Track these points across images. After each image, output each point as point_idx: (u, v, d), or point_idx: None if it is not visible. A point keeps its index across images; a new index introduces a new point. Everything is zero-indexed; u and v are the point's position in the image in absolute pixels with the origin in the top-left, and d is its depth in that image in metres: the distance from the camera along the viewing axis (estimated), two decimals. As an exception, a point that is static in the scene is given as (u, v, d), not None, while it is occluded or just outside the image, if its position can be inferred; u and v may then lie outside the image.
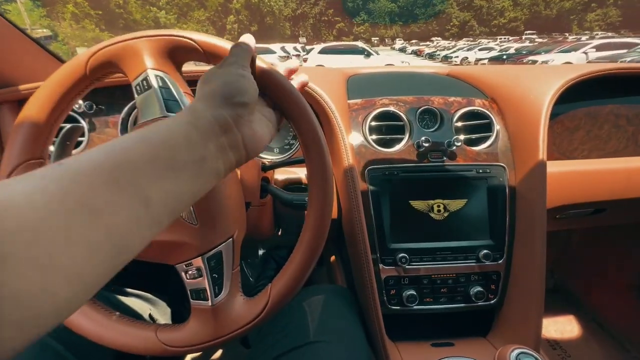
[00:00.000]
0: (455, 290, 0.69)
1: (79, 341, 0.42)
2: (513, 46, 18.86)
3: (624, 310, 1.15)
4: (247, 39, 0.38)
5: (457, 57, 19.27)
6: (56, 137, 0.57)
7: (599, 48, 11.61)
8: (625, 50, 10.58)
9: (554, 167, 0.71)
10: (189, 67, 0.53)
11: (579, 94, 0.72)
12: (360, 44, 14.13)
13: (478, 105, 0.73)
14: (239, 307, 0.43)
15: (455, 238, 0.69)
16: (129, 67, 0.40)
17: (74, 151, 0.76)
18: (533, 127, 0.66)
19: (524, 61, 12.40)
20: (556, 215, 0.83)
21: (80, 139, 0.75)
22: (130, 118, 0.75)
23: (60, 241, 0.18)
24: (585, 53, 11.54)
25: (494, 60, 16.05)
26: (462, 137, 0.69)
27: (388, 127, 0.70)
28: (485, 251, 0.67)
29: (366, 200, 0.67)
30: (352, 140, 0.69)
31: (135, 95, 0.41)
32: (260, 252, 1.32)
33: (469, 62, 17.42)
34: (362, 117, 0.71)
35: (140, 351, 0.41)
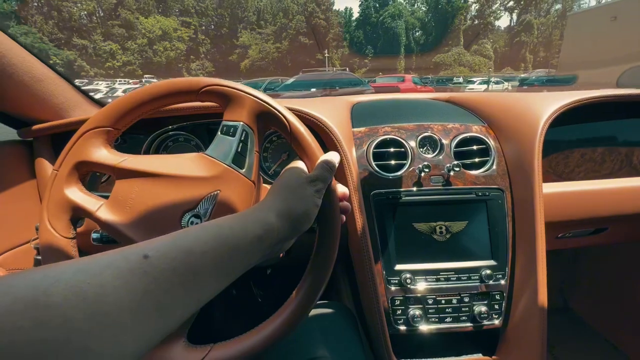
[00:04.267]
0: (460, 310, 0.71)
1: None
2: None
3: (634, 330, 1.14)
4: (335, 157, 0.43)
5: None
6: None
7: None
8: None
9: (551, 189, 0.75)
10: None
11: (573, 118, 0.77)
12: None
13: (475, 131, 0.78)
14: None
15: (458, 259, 0.72)
16: (230, 110, 0.47)
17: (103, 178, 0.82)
18: (528, 151, 0.70)
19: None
20: (557, 235, 0.86)
21: None
22: (152, 149, 0.81)
23: (127, 330, 0.22)
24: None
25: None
26: (460, 162, 0.73)
27: (391, 154, 0.75)
28: (487, 271, 0.70)
29: (371, 223, 0.71)
30: (357, 166, 0.73)
31: (219, 132, 0.47)
32: (268, 272, 1.35)
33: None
34: (366, 144, 0.76)
35: None
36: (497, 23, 49.77)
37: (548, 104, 0.73)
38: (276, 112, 0.46)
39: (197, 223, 0.44)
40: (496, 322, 0.71)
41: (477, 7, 47.49)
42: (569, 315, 1.33)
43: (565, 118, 0.73)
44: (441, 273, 0.71)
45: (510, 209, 0.73)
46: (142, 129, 0.80)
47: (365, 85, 7.79)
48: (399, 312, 0.71)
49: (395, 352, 0.69)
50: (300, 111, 0.70)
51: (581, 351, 1.18)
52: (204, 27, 46.81)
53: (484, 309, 0.70)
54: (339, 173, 0.73)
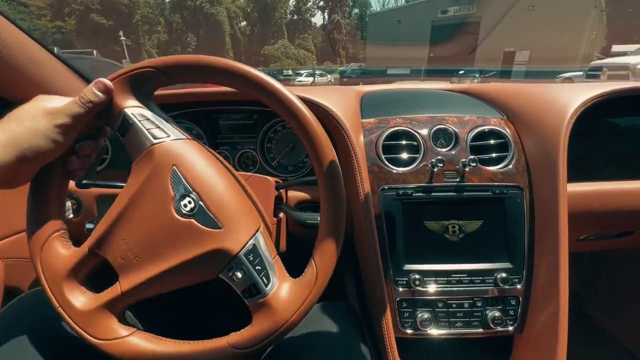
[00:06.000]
0: (472, 314, 0.67)
1: None
2: None
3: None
4: (95, 94, 0.41)
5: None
6: None
7: None
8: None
9: (575, 188, 0.69)
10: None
11: (601, 112, 0.70)
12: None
13: (494, 124, 0.73)
14: (292, 289, 0.43)
15: (471, 260, 0.67)
16: (106, 116, 0.43)
17: (98, 168, 0.79)
18: (552, 147, 0.65)
19: None
20: (579, 237, 0.80)
21: (104, 156, 0.79)
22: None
23: None
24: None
25: None
26: (477, 157, 0.68)
27: (402, 147, 0.70)
28: (503, 274, 0.65)
29: (379, 219, 0.67)
30: (366, 158, 0.69)
31: (122, 139, 0.43)
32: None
33: None
34: (376, 136, 0.71)
35: None
36: (313, 20, 53.16)
37: (577, 94, 0.67)
38: (133, 73, 0.43)
39: (190, 201, 0.42)
40: (510, 328, 0.67)
41: (294, 3, 50.62)
42: (585, 320, 1.27)
43: (594, 111, 0.67)
44: (453, 275, 0.66)
45: (528, 209, 0.68)
46: None
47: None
48: (406, 314, 0.67)
49: (402, 356, 0.66)
50: (305, 98, 0.66)
51: (596, 356, 1.12)
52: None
53: (497, 314, 0.66)
54: (347, 166, 0.69)
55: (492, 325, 0.65)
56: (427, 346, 0.71)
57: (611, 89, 0.67)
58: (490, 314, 0.66)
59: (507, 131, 0.72)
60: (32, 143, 0.38)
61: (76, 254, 0.43)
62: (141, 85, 0.44)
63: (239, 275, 0.41)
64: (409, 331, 0.67)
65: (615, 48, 17.12)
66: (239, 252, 0.41)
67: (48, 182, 0.44)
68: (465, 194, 0.67)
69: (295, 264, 0.45)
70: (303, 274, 0.44)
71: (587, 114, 0.66)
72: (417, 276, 0.65)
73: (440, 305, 0.67)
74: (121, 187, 0.62)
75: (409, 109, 0.78)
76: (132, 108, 0.43)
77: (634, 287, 1.16)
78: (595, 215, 0.73)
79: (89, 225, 0.66)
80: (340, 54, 48.53)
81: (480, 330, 0.67)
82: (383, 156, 0.69)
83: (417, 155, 0.69)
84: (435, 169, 0.67)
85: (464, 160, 0.66)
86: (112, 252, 0.42)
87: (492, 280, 0.66)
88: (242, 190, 0.46)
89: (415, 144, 0.70)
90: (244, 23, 46.95)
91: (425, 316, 0.66)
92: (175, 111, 0.78)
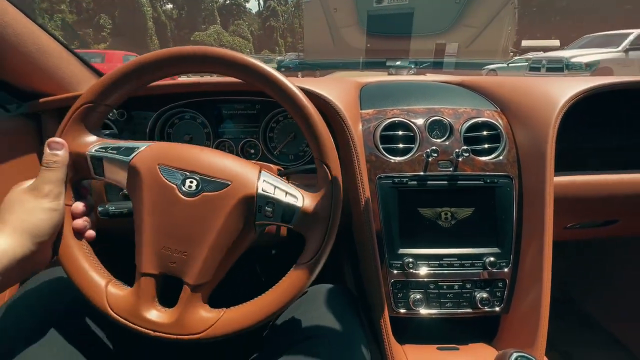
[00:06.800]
0: (461, 296, 0.71)
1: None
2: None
3: (637, 323, 1.13)
4: (56, 152, 0.44)
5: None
6: None
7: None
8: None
9: (562, 178, 0.72)
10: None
11: (589, 106, 0.73)
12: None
13: (487, 116, 0.76)
14: (316, 195, 0.47)
15: (462, 245, 0.71)
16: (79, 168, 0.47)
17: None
18: (541, 139, 0.68)
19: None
20: (565, 225, 0.84)
21: None
22: (157, 126, 0.81)
23: None
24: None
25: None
26: (470, 147, 0.71)
27: (398, 137, 0.73)
28: (491, 259, 0.69)
29: (376, 206, 0.71)
30: (364, 148, 0.72)
31: (103, 178, 0.47)
32: (273, 252, 1.37)
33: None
34: (374, 127, 0.74)
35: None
36: (248, 6, 50.20)
37: (566, 89, 0.70)
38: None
39: (191, 181, 0.45)
40: (497, 308, 0.71)
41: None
42: (571, 306, 1.33)
43: (582, 105, 0.70)
44: (444, 259, 0.71)
45: (517, 197, 0.71)
46: (149, 106, 0.80)
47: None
48: (399, 295, 0.71)
49: (396, 335, 0.70)
50: (306, 89, 0.69)
51: (581, 342, 1.18)
52: None
53: (485, 295, 0.70)
54: (345, 155, 0.72)
55: (480, 305, 0.70)
56: (419, 324, 0.76)
57: (600, 83, 0.70)
58: (478, 295, 0.70)
59: (500, 123, 0.75)
60: (31, 222, 0.40)
61: (136, 289, 0.46)
62: (87, 121, 0.47)
63: (270, 209, 0.45)
64: (402, 311, 0.71)
65: (525, 43, 18.57)
66: (257, 190, 0.45)
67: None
68: (458, 182, 0.71)
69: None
70: (317, 180, 0.47)
71: (577, 107, 0.69)
72: (410, 260, 0.69)
73: (431, 286, 0.71)
74: None
75: (407, 100, 0.81)
76: (92, 146, 0.46)
77: (618, 274, 1.21)
78: (582, 204, 0.77)
79: (100, 208, 0.69)
80: (278, 43, 46.08)
81: (469, 310, 0.71)
82: (380, 146, 0.72)
83: (413, 146, 0.72)
84: (430, 159, 0.70)
85: (457, 150, 0.70)
86: (163, 265, 0.45)
87: (481, 264, 0.70)
88: (228, 153, 0.50)
89: (412, 134, 0.73)
90: (169, 6, 43.16)
91: (418, 297, 0.70)
92: (181, 100, 0.80)
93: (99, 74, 0.86)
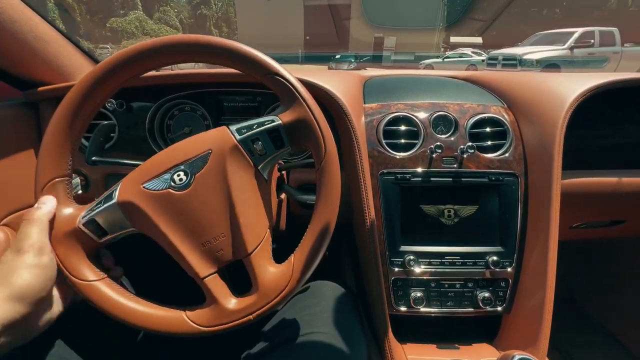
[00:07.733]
0: (463, 295, 0.70)
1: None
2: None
3: (638, 324, 1.12)
4: (37, 215, 0.42)
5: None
6: (91, 133, 0.62)
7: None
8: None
9: (569, 177, 0.71)
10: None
11: (599, 102, 0.71)
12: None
13: (493, 112, 0.74)
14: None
15: (464, 243, 0.70)
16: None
17: (106, 145, 0.81)
18: (549, 136, 0.66)
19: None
20: (571, 225, 0.83)
21: (112, 134, 0.81)
22: (157, 117, 0.80)
23: None
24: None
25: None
26: (475, 144, 0.69)
27: (402, 132, 0.72)
28: (494, 258, 0.68)
29: (377, 202, 0.69)
30: (366, 143, 0.71)
31: (108, 236, 0.45)
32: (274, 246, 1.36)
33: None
34: (377, 121, 0.73)
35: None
36: None
37: (576, 85, 0.68)
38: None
39: (178, 174, 0.44)
40: (499, 308, 0.70)
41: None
42: (573, 306, 1.32)
43: (592, 101, 0.68)
44: (446, 257, 0.69)
45: (523, 196, 0.70)
46: (148, 96, 0.79)
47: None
48: (400, 293, 0.70)
49: (395, 332, 0.69)
50: (307, 82, 0.67)
51: (583, 342, 1.17)
52: None
53: (487, 295, 0.69)
54: (347, 150, 0.70)
55: (481, 305, 0.69)
56: (420, 323, 0.75)
57: (610, 79, 0.68)
58: (480, 294, 0.69)
59: (507, 119, 0.73)
60: (15, 284, 0.37)
61: (208, 295, 0.45)
62: (62, 194, 0.45)
63: (259, 146, 0.45)
64: (402, 309, 0.70)
65: (453, 39, 19.74)
66: (236, 137, 0.45)
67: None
68: (462, 179, 0.69)
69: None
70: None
71: (587, 103, 0.67)
72: (412, 257, 0.68)
73: (433, 285, 0.70)
74: (129, 164, 0.64)
75: (411, 94, 0.79)
76: (78, 217, 0.44)
77: (622, 276, 1.20)
78: (588, 204, 0.75)
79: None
80: (213, 33, 39.67)
81: (471, 309, 0.70)
82: (384, 141, 0.71)
83: (417, 141, 0.71)
84: (434, 155, 0.69)
85: (462, 146, 0.68)
86: (213, 258, 0.44)
87: (483, 263, 0.69)
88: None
89: (416, 129, 0.72)
90: (78, -15, 35.14)
91: (419, 295, 0.69)
92: (182, 92, 0.79)
93: (97, 62, 0.84)
